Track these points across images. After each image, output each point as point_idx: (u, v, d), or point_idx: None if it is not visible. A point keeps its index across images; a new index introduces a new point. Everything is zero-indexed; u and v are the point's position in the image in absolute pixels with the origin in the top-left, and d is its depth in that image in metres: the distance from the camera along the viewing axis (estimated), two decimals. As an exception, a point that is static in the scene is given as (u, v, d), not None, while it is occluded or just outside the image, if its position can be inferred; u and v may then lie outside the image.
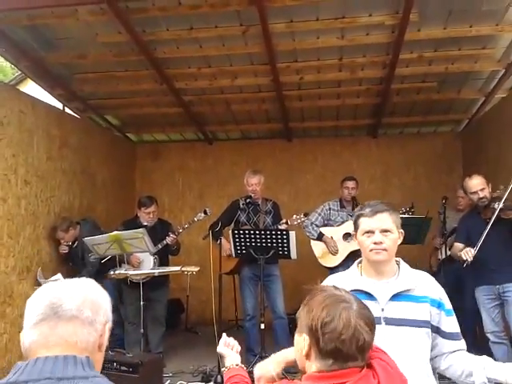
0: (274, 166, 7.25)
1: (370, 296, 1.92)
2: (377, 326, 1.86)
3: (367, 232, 1.94)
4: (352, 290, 1.93)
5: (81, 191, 5.95)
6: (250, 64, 5.37)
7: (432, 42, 4.84)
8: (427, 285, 1.98)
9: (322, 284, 2.08)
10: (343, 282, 2.00)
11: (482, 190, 3.97)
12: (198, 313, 6.83)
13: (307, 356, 1.30)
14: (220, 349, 1.83)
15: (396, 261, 2.00)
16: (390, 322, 1.89)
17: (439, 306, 1.94)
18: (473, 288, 4.22)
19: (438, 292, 1.97)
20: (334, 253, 4.99)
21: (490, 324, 3.99)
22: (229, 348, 1.83)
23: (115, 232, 4.51)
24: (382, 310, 1.90)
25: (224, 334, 1.89)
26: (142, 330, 4.50)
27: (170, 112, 6.57)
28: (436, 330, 1.93)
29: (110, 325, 1.21)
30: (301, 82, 5.68)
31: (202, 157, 7.58)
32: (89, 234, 4.93)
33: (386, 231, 1.92)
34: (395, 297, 1.92)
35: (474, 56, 5.09)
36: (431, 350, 1.94)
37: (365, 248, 1.95)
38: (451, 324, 1.96)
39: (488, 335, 4.02)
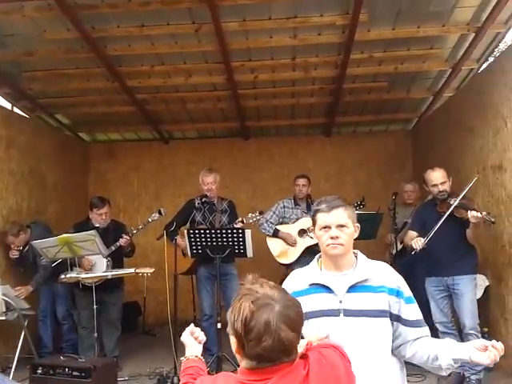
0: (232, 164, 7.25)
1: (328, 289, 1.95)
2: (335, 318, 1.91)
3: (324, 227, 1.97)
4: (311, 284, 1.99)
5: (29, 193, 5.74)
6: (204, 62, 5.35)
7: (381, 42, 4.96)
8: (384, 274, 2.00)
9: (286, 280, 2.10)
10: (304, 277, 2.04)
11: (442, 183, 4.03)
12: (155, 315, 6.74)
13: (237, 353, 1.30)
14: (183, 337, 1.81)
15: (354, 253, 2.04)
16: (349, 313, 1.92)
17: (398, 294, 1.95)
18: (423, 280, 4.35)
19: (396, 280, 1.99)
20: (293, 244, 5.03)
21: (438, 314, 4.11)
22: (192, 337, 1.80)
23: (65, 234, 4.38)
24: (340, 301, 1.93)
25: (191, 324, 1.86)
26: (95, 335, 4.39)
27: (124, 111, 6.45)
28: (397, 319, 1.95)
29: None
30: (255, 80, 5.71)
31: (158, 156, 7.49)
32: (40, 237, 4.75)
33: (341, 226, 1.96)
34: (352, 288, 1.95)
35: (422, 56, 5.26)
36: (395, 340, 1.96)
37: (322, 242, 1.99)
38: (412, 311, 1.97)
39: (437, 325, 4.13)
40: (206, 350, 4.71)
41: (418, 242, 3.87)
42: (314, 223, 2.04)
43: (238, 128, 7.16)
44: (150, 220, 4.92)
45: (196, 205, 4.99)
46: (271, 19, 4.59)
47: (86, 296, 4.71)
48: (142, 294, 6.66)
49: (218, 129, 7.47)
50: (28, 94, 5.88)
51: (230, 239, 4.40)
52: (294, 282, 2.05)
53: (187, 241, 4.44)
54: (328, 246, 1.95)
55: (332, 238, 1.94)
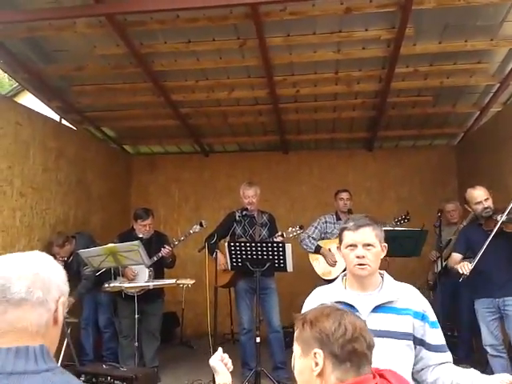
0: (271, 178, 7.26)
1: (352, 308, 1.94)
2: None
3: (350, 245, 1.98)
4: (335, 302, 1.97)
5: (76, 203, 5.92)
6: (246, 77, 5.41)
7: (427, 56, 4.89)
8: (410, 297, 1.99)
9: (309, 297, 2.11)
10: (327, 294, 2.05)
11: (486, 200, 3.96)
12: (193, 326, 6.77)
13: (321, 374, 1.27)
14: (213, 362, 1.81)
15: (380, 273, 2.04)
16: (372, 333, 1.90)
17: (423, 318, 1.95)
18: (470, 300, 4.20)
19: (422, 304, 1.99)
20: (333, 264, 4.97)
21: (488, 337, 3.96)
22: (222, 363, 1.80)
23: (110, 244, 4.48)
24: (364, 321, 1.91)
25: (220, 349, 1.87)
26: (136, 344, 4.45)
27: (167, 124, 6.58)
28: (420, 343, 1.94)
29: (64, 299, 1.16)
30: (297, 94, 5.71)
31: (199, 169, 7.59)
32: (85, 247, 4.88)
33: (368, 245, 1.96)
34: (377, 309, 1.94)
35: (469, 70, 5.15)
36: (417, 363, 1.94)
37: (349, 262, 1.99)
38: (436, 336, 1.97)
39: (486, 348, 3.99)
40: (245, 364, 4.69)
41: (464, 267, 3.75)
42: (341, 241, 2.04)
43: (278, 142, 7.18)
44: (191, 232, 4.98)
45: (236, 218, 5.01)
46: (315, 34, 4.60)
47: (127, 305, 4.80)
48: (180, 305, 6.70)
49: (257, 142, 7.50)
50: (76, 107, 6.09)
51: (270, 253, 4.38)
52: (318, 299, 2.04)
53: (227, 253, 4.46)
54: (355, 266, 1.95)
55: (358, 257, 1.94)
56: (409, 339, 1.91)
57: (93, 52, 4.88)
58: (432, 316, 1.98)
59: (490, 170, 5.49)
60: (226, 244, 4.51)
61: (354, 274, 1.99)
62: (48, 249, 5.14)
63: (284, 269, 4.46)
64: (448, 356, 1.97)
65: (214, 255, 4.72)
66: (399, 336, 1.90)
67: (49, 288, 1.12)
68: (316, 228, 5.20)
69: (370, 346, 1.31)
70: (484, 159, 5.80)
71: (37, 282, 1.10)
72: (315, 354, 1.28)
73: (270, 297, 4.81)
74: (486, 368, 3.98)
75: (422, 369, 1.95)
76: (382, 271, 2.04)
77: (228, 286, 5.19)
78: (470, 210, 4.14)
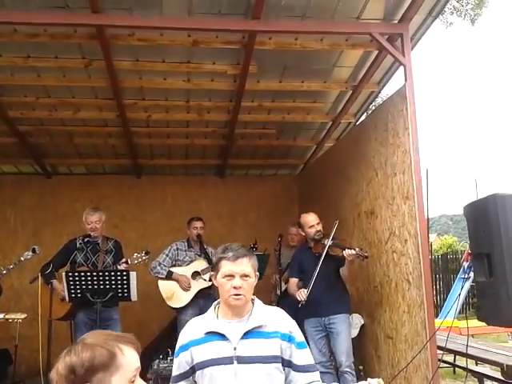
0: (122, 202, 7.05)
1: (222, 337, 1.97)
2: (229, 366, 1.92)
3: (228, 276, 1.99)
4: (207, 333, 1.99)
5: None
6: (94, 98, 5.23)
7: (270, 92, 5.28)
8: (278, 320, 2.06)
9: (183, 329, 2.09)
10: (200, 325, 2.05)
11: (317, 224, 4.32)
12: (28, 363, 6.10)
13: None
14: None
15: (252, 299, 2.08)
16: (242, 360, 1.94)
17: (290, 339, 2.01)
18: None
19: (289, 326, 2.05)
20: (187, 288, 4.95)
21: (317, 355, 4.22)
22: None
23: None
24: (235, 348, 1.95)
25: None
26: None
27: (3, 142, 6.00)
28: (288, 364, 1.99)
29: None
30: (149, 119, 5.69)
31: (39, 192, 7.01)
32: None
33: (245, 276, 2.00)
34: (246, 335, 1.97)
35: (306, 108, 5.67)
36: None
37: (224, 291, 2.00)
38: (303, 356, 2.02)
39: (316, 366, 4.29)
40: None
41: (301, 294, 4.05)
42: (217, 270, 2.05)
43: (130, 165, 7.01)
44: (22, 259, 4.57)
45: (77, 245, 4.72)
46: (165, 62, 4.66)
47: None
48: (13, 341, 6.03)
49: (107, 165, 7.24)
50: None
51: (113, 282, 4.20)
52: (191, 331, 2.05)
53: (65, 284, 4.16)
54: (230, 296, 1.98)
55: (235, 287, 1.98)
56: (277, 362, 1.96)
57: None
58: (299, 337, 2.04)
59: (324, 199, 6.05)
60: (64, 274, 4.21)
61: (228, 304, 2.00)
62: None
63: (128, 298, 4.30)
64: (316, 375, 2.03)
65: (49, 285, 4.38)
66: (268, 360, 1.94)
67: None
68: (167, 256, 5.13)
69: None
70: (320, 189, 6.38)
71: None
72: None
73: (113, 328, 4.57)
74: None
75: None
76: (253, 296, 2.08)
77: (67, 319, 4.81)
78: (303, 233, 4.47)
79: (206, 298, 5.03)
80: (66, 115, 5.47)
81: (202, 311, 5.00)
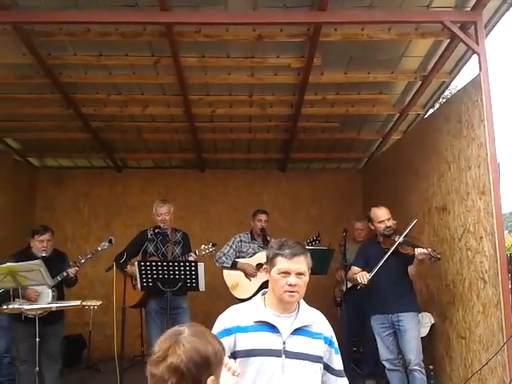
0: (186, 195, 7.23)
1: (274, 328, 1.99)
2: (277, 358, 1.94)
3: (283, 272, 2.00)
4: (256, 322, 2.00)
5: (-28, 219, 5.48)
6: (161, 94, 5.39)
7: (334, 85, 5.20)
8: (322, 323, 2.09)
9: (222, 315, 2.09)
10: (248, 313, 2.06)
11: (388, 219, 4.19)
12: (101, 349, 6.44)
13: None
14: None
15: None
16: (290, 355, 1.96)
17: (330, 343, 2.05)
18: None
19: (330, 331, 2.10)
20: (253, 274, 5.00)
21: (385, 352, 4.18)
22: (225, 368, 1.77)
23: (8, 264, 4.18)
24: (284, 342, 1.97)
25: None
26: (37, 369, 4.16)
27: (77, 137, 6.34)
28: (326, 367, 2.03)
29: None
30: (213, 114, 5.79)
31: (110, 184, 7.35)
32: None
33: (301, 274, 2.00)
34: (296, 331, 2.00)
35: (371, 100, 5.53)
36: None
37: (278, 287, 2.01)
38: (339, 362, 2.09)
39: (384, 362, 4.21)
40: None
41: (363, 277, 3.95)
42: (272, 265, 2.05)
43: (194, 159, 7.18)
44: (99, 249, 4.78)
45: (148, 236, 4.90)
46: (229, 57, 4.71)
47: (25, 328, 4.47)
48: (87, 328, 6.38)
49: (173, 159, 7.46)
50: (-24, 116, 5.69)
51: (182, 272, 4.33)
52: (237, 316, 2.05)
53: (137, 273, 4.34)
54: (285, 292, 1.99)
55: (290, 285, 1.98)
56: (320, 362, 1.99)
57: (-5, 60, 4.61)
58: (336, 342, 2.09)
59: (390, 193, 5.89)
60: (136, 263, 4.39)
61: (282, 300, 2.01)
62: None
63: (196, 288, 4.42)
64: (345, 381, 2.11)
65: (124, 274, 4.58)
66: (313, 359, 1.98)
67: None
68: (231, 247, 5.21)
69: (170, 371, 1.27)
70: (386, 183, 6.22)
71: None
72: None
73: (182, 317, 4.73)
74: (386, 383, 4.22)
75: None
76: None
77: (138, 307, 5.03)
78: (372, 227, 4.35)
79: (269, 290, 5.08)
80: (136, 111, 5.67)
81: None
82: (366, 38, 4.34)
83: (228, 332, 2.00)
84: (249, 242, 5.29)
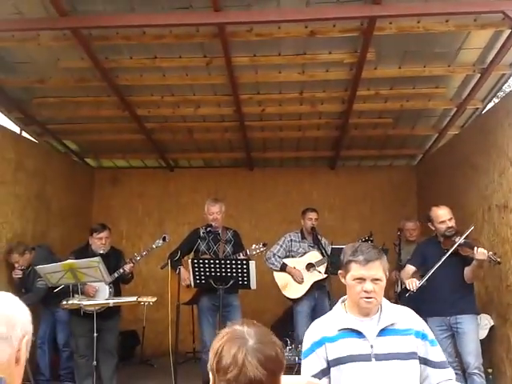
0: (236, 194, 7.28)
1: (358, 334, 1.96)
2: (367, 363, 1.91)
3: (358, 279, 1.96)
4: (341, 330, 1.97)
5: (35, 217, 5.75)
6: (213, 94, 5.45)
7: (388, 80, 5.07)
8: (409, 318, 2.03)
9: (308, 331, 2.08)
10: (331, 322, 2.04)
11: (449, 219, 4.04)
12: (154, 345, 6.62)
13: None
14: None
15: None
16: (380, 357, 1.93)
17: (423, 337, 1.98)
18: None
19: (421, 324, 2.03)
20: (300, 282, 4.99)
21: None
22: None
23: (69, 260, 4.36)
24: (371, 346, 1.94)
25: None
26: (94, 363, 4.32)
27: (132, 139, 6.52)
28: (424, 362, 1.96)
29: (28, 338, 1.17)
30: (263, 113, 5.79)
31: (163, 184, 7.52)
32: (44, 260, 4.77)
33: (377, 280, 1.95)
34: (381, 332, 1.96)
35: (427, 94, 5.36)
36: (422, 382, 1.97)
37: (355, 293, 1.98)
38: (437, 353, 2.00)
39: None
40: (205, 382, 4.62)
41: (412, 284, 3.84)
42: (346, 271, 2.02)
43: (244, 158, 7.22)
44: (154, 246, 4.90)
45: (201, 234, 4.98)
46: (280, 55, 4.70)
47: (84, 323, 4.65)
48: (141, 323, 6.57)
49: (223, 158, 7.53)
50: (37, 119, 5.97)
51: (234, 270, 4.37)
52: (322, 327, 2.04)
53: (191, 270, 4.42)
54: (361, 298, 1.96)
55: (366, 291, 1.94)
56: (414, 358, 1.94)
57: (56, 64, 4.81)
58: (431, 334, 2.02)
59: (447, 191, 5.69)
60: (190, 261, 4.47)
61: (358, 305, 1.99)
62: (4, 260, 5.00)
63: (248, 286, 4.45)
64: (451, 372, 2.00)
65: (178, 271, 4.68)
66: (406, 357, 1.93)
67: (13, 325, 1.13)
68: (281, 246, 5.20)
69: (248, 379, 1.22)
70: (442, 180, 6.01)
71: (1, 317, 1.12)
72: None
73: (234, 314, 4.77)
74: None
75: None
76: None
77: (191, 303, 5.12)
78: (432, 228, 4.19)
79: (320, 290, 5.04)
80: (188, 112, 5.77)
81: (316, 303, 5.05)
82: (422, 31, 4.21)
83: (319, 344, 2.00)
84: (299, 241, 5.25)
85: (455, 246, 3.86)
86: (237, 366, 1.20)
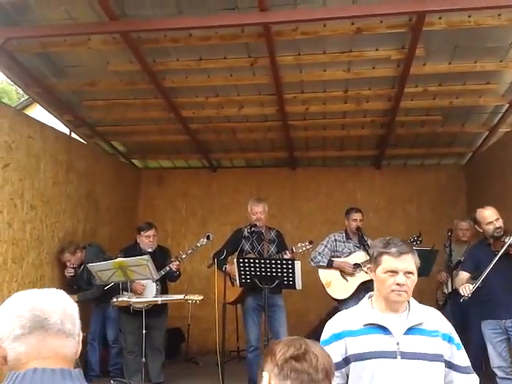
0: (278, 194, 7.27)
1: (385, 330, 1.93)
2: (392, 360, 1.89)
3: (391, 271, 1.94)
4: (366, 325, 1.95)
5: (85, 216, 5.95)
6: (256, 94, 5.46)
7: (437, 76, 4.93)
8: (437, 319, 2.00)
9: (330, 321, 2.07)
10: (356, 316, 2.01)
11: (496, 220, 3.94)
12: (198, 343, 6.72)
13: None
14: None
15: None
16: (406, 356, 1.90)
17: (450, 340, 1.95)
18: (479, 322, 4.16)
19: (448, 326, 1.99)
20: (352, 273, 4.90)
21: (497, 359, 3.92)
22: None
23: (119, 259, 4.48)
24: (398, 343, 1.91)
25: None
26: (143, 360, 4.42)
27: (177, 139, 6.62)
28: (449, 365, 1.94)
29: (82, 336, 1.28)
30: (306, 112, 5.76)
31: (206, 184, 7.61)
32: (95, 258, 4.93)
33: (409, 273, 1.93)
34: (409, 330, 1.93)
35: (478, 91, 5.17)
36: None
37: (386, 286, 1.95)
38: (463, 358, 1.97)
39: (495, 370, 3.94)
40: (251, 382, 4.65)
41: (465, 289, 3.72)
42: (377, 264, 1.99)
43: (286, 158, 7.20)
44: (198, 245, 4.97)
45: (245, 234, 5.00)
46: (326, 53, 4.65)
47: (132, 320, 4.78)
48: (186, 321, 6.67)
49: (265, 158, 7.54)
50: (87, 121, 6.16)
51: (279, 270, 4.35)
52: (345, 321, 2.02)
53: (236, 269, 4.44)
54: (393, 291, 1.93)
55: (398, 284, 1.91)
56: (440, 361, 1.91)
57: (106, 68, 4.95)
58: (457, 338, 1.98)
59: (498, 191, 5.48)
60: (235, 260, 4.50)
61: (389, 300, 1.96)
62: (56, 259, 5.19)
63: (293, 286, 4.41)
64: (475, 379, 1.97)
65: (224, 269, 4.72)
66: (432, 358, 1.90)
67: (75, 322, 1.25)
68: (326, 246, 5.13)
69: (318, 370, 1.24)
70: (493, 179, 5.79)
71: (66, 315, 1.23)
72: (261, 376, 1.29)
73: (278, 314, 4.77)
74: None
75: None
76: None
77: (236, 303, 5.15)
78: (480, 230, 4.10)
79: (367, 291, 4.93)
80: (231, 112, 5.81)
81: (363, 304, 4.95)
82: (473, 26, 4.06)
83: (337, 337, 1.98)
84: (344, 242, 5.17)
85: (505, 246, 3.74)
86: (300, 350, 1.25)
